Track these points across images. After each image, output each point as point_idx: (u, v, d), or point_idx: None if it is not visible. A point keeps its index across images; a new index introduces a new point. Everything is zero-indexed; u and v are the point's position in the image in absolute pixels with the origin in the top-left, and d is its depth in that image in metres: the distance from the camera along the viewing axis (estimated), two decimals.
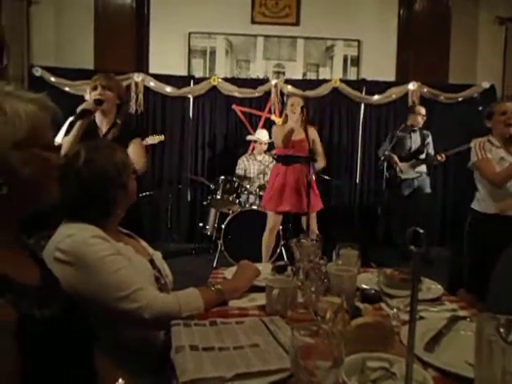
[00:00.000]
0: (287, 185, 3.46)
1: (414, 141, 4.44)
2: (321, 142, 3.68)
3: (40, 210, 0.86)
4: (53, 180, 0.87)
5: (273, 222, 3.60)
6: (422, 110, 4.44)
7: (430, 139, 4.47)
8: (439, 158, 4.25)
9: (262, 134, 4.71)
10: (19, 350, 0.69)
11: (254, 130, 4.98)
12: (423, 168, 4.45)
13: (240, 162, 4.75)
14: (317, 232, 3.42)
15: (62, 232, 1.16)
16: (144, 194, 4.35)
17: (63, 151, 1.98)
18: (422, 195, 4.42)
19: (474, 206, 2.60)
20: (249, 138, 4.87)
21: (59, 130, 2.22)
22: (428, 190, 4.48)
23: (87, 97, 2.34)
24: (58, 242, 1.13)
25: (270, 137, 4.47)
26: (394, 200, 4.53)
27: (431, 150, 4.44)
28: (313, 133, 3.50)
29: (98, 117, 2.34)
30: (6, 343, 0.68)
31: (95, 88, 2.29)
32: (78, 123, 2.19)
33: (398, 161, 4.33)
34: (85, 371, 0.85)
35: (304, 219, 3.45)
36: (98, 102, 2.25)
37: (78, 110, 2.21)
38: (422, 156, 4.42)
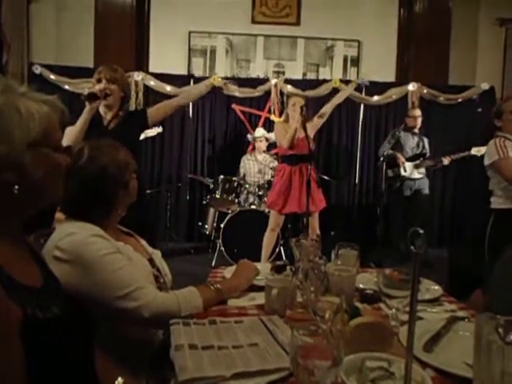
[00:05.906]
0: (293, 185, 3.46)
1: (416, 142, 4.45)
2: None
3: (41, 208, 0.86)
4: (59, 180, 0.87)
5: (276, 222, 3.60)
6: (417, 111, 4.47)
7: (426, 144, 4.49)
8: (445, 160, 4.23)
9: (261, 132, 4.71)
10: (24, 351, 0.69)
11: (254, 129, 4.97)
12: (423, 170, 4.46)
13: (242, 161, 4.75)
14: (318, 231, 3.42)
15: (62, 230, 1.16)
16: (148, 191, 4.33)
17: (67, 141, 1.91)
18: (421, 197, 4.43)
19: (495, 205, 2.56)
20: (250, 137, 4.86)
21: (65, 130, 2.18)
22: (427, 191, 4.49)
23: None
24: (58, 240, 1.12)
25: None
26: (394, 201, 4.54)
27: (428, 154, 4.45)
28: (310, 129, 3.49)
29: (101, 108, 2.31)
30: (13, 344, 0.68)
31: (99, 81, 2.26)
32: (85, 111, 2.15)
33: (403, 159, 4.33)
34: (85, 370, 0.85)
35: (308, 218, 3.44)
36: (104, 96, 2.23)
37: (86, 92, 2.18)
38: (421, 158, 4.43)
